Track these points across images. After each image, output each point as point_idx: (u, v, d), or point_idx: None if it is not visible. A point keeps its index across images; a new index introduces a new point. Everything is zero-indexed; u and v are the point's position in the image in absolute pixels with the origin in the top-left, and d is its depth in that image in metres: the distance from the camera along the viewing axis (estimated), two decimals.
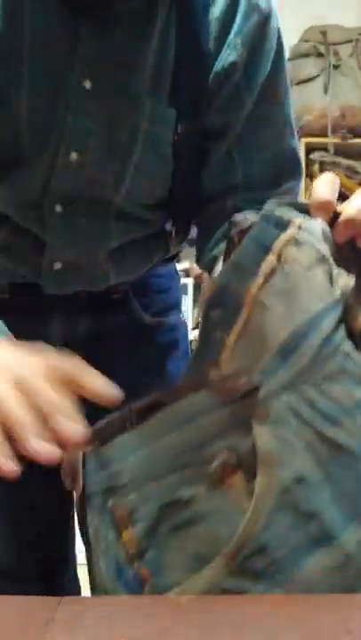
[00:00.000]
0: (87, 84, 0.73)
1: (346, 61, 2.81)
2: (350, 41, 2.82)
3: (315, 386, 0.50)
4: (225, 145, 0.79)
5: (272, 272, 0.51)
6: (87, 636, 0.43)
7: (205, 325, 0.52)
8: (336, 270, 0.54)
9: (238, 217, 0.59)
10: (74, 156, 0.75)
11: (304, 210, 0.57)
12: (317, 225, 0.55)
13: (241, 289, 0.51)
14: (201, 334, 0.52)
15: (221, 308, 0.51)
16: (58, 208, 0.78)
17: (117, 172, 0.77)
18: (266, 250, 0.52)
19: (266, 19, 0.77)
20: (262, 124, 0.79)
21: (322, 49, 2.81)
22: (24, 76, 0.72)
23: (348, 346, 0.52)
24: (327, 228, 0.55)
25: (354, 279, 0.54)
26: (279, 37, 0.79)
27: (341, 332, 0.52)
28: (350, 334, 0.52)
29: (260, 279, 0.51)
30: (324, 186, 0.57)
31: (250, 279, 0.51)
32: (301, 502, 0.48)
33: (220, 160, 0.80)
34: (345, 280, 0.53)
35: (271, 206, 0.55)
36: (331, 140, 2.76)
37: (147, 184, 0.79)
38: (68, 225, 0.79)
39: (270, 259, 0.52)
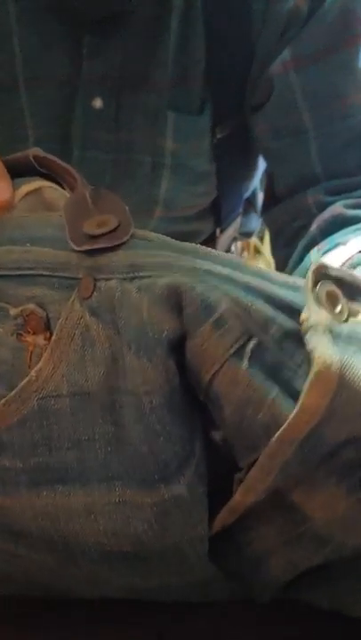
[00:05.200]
0: (97, 103, 0.68)
1: None
2: None
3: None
4: (290, 123, 0.67)
5: None
6: None
7: None
8: None
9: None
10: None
11: None
12: None
13: None
14: None
15: None
16: None
17: (145, 202, 0.72)
18: None
19: None
20: (338, 76, 0.66)
21: None
22: (23, 110, 0.68)
23: None
24: None
25: None
26: None
27: None
28: None
29: None
30: None
31: None
32: None
33: (285, 145, 0.68)
34: None
35: None
36: None
37: (183, 203, 0.74)
38: None
39: None
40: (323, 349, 0.31)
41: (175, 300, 0.34)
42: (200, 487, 0.36)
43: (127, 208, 0.39)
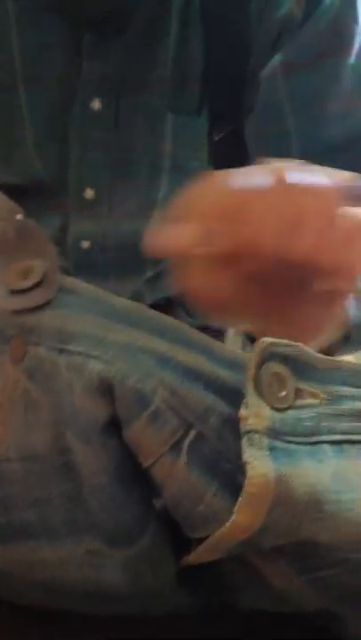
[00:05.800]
0: (96, 105, 0.66)
1: None
2: None
3: None
4: (274, 126, 0.68)
5: None
6: None
7: None
8: None
9: None
10: (89, 192, 0.70)
11: None
12: None
13: None
14: None
15: None
16: (85, 244, 0.72)
17: (144, 204, 0.70)
18: None
19: None
20: (325, 83, 0.66)
21: None
22: (22, 110, 0.67)
23: None
24: None
25: None
26: None
27: None
28: None
29: None
30: None
31: None
32: None
33: (270, 147, 0.68)
34: None
35: None
36: None
37: None
38: (92, 264, 0.73)
39: None
40: (257, 467, 0.30)
41: (107, 390, 0.32)
42: (164, 538, 0.35)
43: (54, 247, 0.37)
